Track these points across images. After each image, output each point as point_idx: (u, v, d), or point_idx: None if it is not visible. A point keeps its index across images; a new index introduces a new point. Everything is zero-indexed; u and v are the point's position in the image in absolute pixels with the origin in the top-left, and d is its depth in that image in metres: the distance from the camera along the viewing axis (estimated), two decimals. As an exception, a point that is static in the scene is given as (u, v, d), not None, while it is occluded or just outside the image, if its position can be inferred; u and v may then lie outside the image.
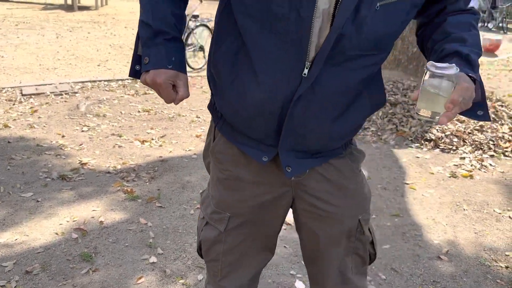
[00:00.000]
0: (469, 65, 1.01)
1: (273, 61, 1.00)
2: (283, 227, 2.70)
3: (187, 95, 1.11)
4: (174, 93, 1.10)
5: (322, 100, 1.03)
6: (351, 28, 0.95)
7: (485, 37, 10.49)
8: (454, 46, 1.04)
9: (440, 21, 1.12)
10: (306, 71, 0.99)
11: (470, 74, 0.98)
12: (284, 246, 2.51)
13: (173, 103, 1.11)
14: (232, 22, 1.05)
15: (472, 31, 1.09)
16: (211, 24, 7.50)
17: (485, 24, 16.60)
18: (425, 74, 0.93)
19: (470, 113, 1.02)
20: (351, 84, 1.04)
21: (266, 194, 1.19)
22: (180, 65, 1.10)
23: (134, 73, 1.15)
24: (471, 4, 1.16)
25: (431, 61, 0.93)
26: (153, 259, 2.34)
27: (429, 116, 0.94)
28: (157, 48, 1.07)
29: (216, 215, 1.24)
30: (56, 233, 2.52)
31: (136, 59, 1.14)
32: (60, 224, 2.62)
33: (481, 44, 1.11)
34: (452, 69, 0.90)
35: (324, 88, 1.02)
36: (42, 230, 2.55)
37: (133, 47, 8.36)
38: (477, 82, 1.00)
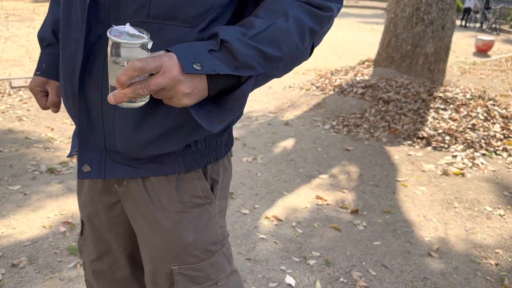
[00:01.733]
0: (229, 55, 0.76)
1: (64, 26, 0.88)
2: (274, 222, 2.68)
3: (55, 102, 1.07)
4: (45, 99, 1.09)
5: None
6: None
7: (478, 37, 10.54)
8: (225, 29, 0.78)
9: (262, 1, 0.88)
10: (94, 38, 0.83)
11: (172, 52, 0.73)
12: (275, 242, 2.50)
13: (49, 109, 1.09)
14: None
15: (278, 22, 0.80)
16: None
17: (479, 25, 16.70)
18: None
19: (193, 109, 0.77)
20: None
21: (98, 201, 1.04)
22: (50, 72, 1.09)
23: None
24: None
25: (114, 26, 0.72)
26: (142, 253, 2.31)
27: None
28: (39, 55, 1.11)
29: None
30: (44, 226, 2.48)
31: None
32: (48, 217, 2.58)
33: (299, 44, 0.83)
34: (137, 39, 0.69)
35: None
36: (29, 223, 2.51)
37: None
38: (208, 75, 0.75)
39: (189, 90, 0.73)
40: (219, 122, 0.80)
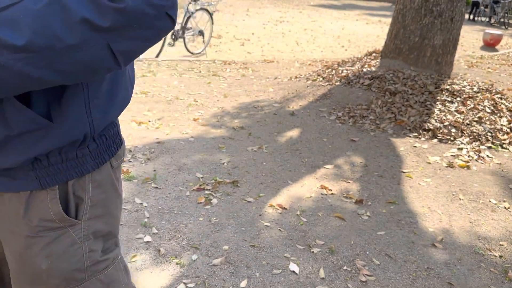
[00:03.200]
0: None
1: None
2: (278, 210, 2.69)
3: None
4: None
5: None
6: None
7: (486, 31, 10.46)
8: None
9: None
10: None
11: None
12: (279, 230, 2.51)
13: None
14: None
15: (27, 2, 0.62)
16: (212, 8, 7.43)
17: (487, 19, 16.55)
18: None
19: None
20: None
21: None
22: None
23: None
24: None
25: None
26: (147, 238, 2.33)
27: None
28: None
29: None
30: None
31: None
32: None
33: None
34: None
35: None
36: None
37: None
38: None
39: None
40: None
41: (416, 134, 4.08)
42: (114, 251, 0.97)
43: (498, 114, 4.41)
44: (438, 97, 4.59)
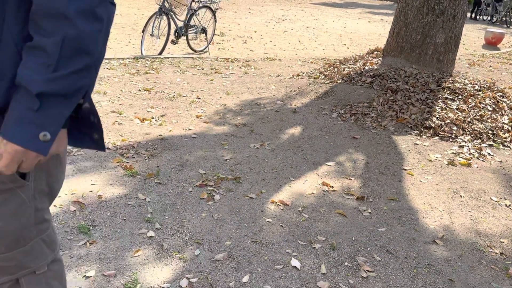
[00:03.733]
0: (57, 100, 0.79)
1: None
2: (280, 207, 2.71)
3: None
4: None
5: None
6: None
7: (488, 30, 10.45)
8: (26, 76, 0.78)
9: None
10: None
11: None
12: (281, 226, 2.53)
13: None
14: None
15: (69, 32, 0.80)
16: (215, 6, 7.44)
17: (489, 18, 16.52)
18: None
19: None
20: None
21: None
22: None
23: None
24: None
25: None
26: (150, 233, 2.35)
27: None
28: None
29: None
30: (54, 205, 2.53)
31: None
32: (59, 196, 2.62)
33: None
34: None
35: None
36: (40, 202, 2.55)
37: (135, 26, 8.30)
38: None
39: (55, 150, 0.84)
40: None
41: (417, 132, 4.09)
42: (50, 214, 1.03)
43: (500, 112, 4.42)
44: (440, 95, 4.60)
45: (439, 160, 3.58)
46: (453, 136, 4.01)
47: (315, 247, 2.36)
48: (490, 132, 4.06)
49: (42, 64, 0.77)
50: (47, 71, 0.77)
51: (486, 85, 5.02)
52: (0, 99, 0.82)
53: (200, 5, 7.02)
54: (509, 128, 4.17)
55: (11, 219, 0.91)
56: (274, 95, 5.03)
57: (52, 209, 2.49)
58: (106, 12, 0.83)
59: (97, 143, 0.91)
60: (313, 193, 2.93)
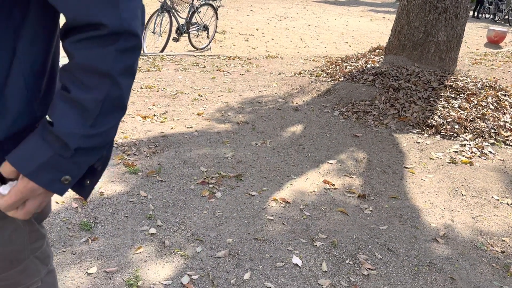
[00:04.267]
0: (85, 153, 0.78)
1: None
2: (282, 204, 2.72)
3: None
4: None
5: None
6: None
7: (491, 28, 10.42)
8: (62, 128, 0.76)
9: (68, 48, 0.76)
10: None
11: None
12: (283, 223, 2.53)
13: None
14: None
15: (111, 91, 0.76)
16: (216, 4, 7.43)
17: (491, 16, 16.48)
18: None
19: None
20: None
21: None
22: None
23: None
24: None
25: None
26: (152, 230, 2.35)
27: None
28: None
29: None
30: (56, 202, 2.53)
31: None
32: (60, 193, 2.63)
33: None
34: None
35: None
36: (42, 198, 2.56)
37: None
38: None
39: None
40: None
41: (419, 130, 4.09)
42: (44, 229, 1.03)
43: (502, 111, 4.41)
44: (442, 94, 4.60)
45: (440, 158, 3.58)
46: (455, 135, 4.00)
47: (316, 245, 2.36)
48: (492, 130, 4.06)
49: (81, 117, 0.75)
50: (85, 125, 0.75)
51: (488, 84, 5.01)
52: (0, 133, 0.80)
53: (202, 2, 7.01)
54: (511, 126, 4.16)
55: (5, 244, 0.91)
56: (275, 93, 5.03)
57: (54, 206, 2.50)
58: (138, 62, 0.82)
59: (83, 189, 0.85)
60: (314, 191, 2.93)
